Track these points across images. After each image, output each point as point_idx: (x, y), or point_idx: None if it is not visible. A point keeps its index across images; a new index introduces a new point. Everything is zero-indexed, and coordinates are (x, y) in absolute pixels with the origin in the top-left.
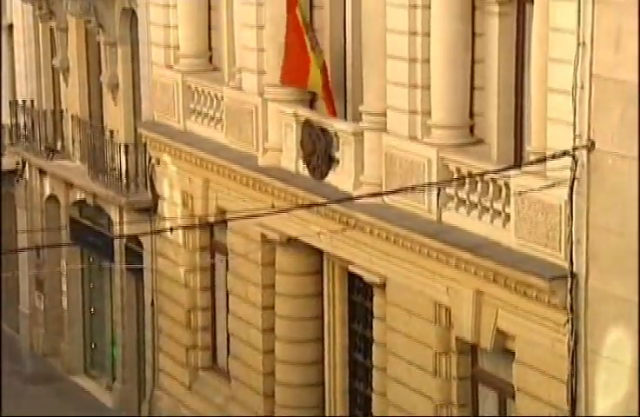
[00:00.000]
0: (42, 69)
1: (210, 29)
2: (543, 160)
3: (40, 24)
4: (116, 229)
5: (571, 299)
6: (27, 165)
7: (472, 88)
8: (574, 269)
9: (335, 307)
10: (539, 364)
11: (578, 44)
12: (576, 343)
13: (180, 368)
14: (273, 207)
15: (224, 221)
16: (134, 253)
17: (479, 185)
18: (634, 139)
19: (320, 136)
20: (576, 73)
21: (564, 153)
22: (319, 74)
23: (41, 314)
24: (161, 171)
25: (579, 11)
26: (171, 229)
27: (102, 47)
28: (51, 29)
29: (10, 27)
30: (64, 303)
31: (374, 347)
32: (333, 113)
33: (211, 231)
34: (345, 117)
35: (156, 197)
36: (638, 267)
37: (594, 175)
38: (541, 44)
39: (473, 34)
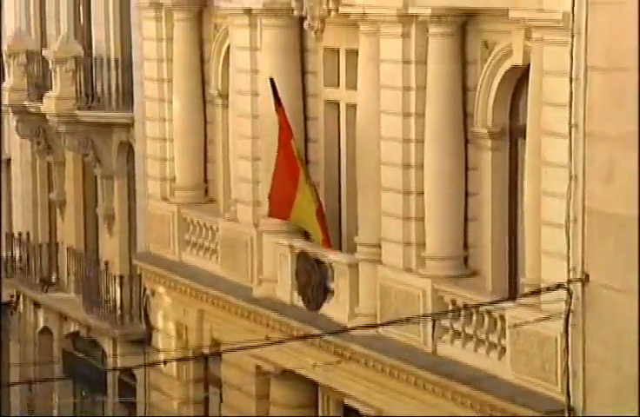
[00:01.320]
0: (38, 202)
1: (205, 161)
2: (537, 292)
3: (38, 159)
4: (110, 362)
5: None
6: (21, 297)
7: (466, 219)
8: (571, 403)
9: None
10: None
11: (570, 178)
12: None
13: None
14: (268, 338)
15: (219, 353)
16: (127, 386)
17: (474, 317)
18: (628, 271)
19: (315, 267)
20: (569, 206)
21: (559, 286)
22: (312, 206)
23: None
24: (156, 302)
25: (570, 146)
26: (165, 362)
27: (98, 180)
28: (49, 164)
29: (8, 161)
30: None
31: None
32: (328, 244)
33: (205, 363)
34: (340, 249)
35: (150, 329)
36: (638, 400)
37: (589, 308)
38: (533, 178)
39: (466, 167)
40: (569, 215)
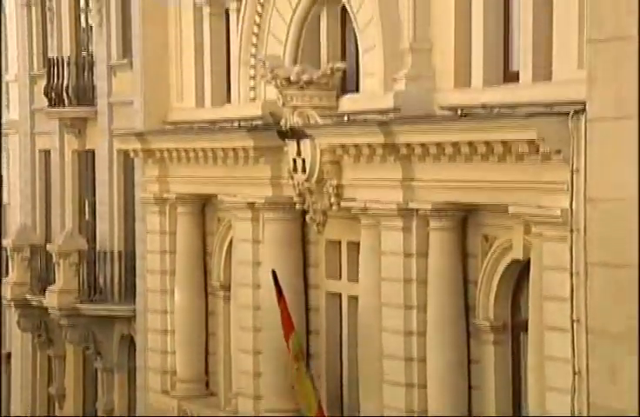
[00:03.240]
0: (37, 396)
1: (207, 353)
2: None
3: (38, 352)
4: None
5: None
6: None
7: (470, 413)
8: None
9: None
10: None
11: (574, 373)
12: None
13: None
14: None
15: None
16: None
17: None
18: None
19: None
20: (574, 402)
21: None
22: (313, 401)
23: None
24: None
25: (573, 341)
26: None
27: (99, 373)
28: (49, 357)
29: (8, 355)
30: None
31: None
32: None
33: None
34: None
35: None
36: None
37: None
38: (536, 372)
39: (469, 360)
40: (573, 411)
